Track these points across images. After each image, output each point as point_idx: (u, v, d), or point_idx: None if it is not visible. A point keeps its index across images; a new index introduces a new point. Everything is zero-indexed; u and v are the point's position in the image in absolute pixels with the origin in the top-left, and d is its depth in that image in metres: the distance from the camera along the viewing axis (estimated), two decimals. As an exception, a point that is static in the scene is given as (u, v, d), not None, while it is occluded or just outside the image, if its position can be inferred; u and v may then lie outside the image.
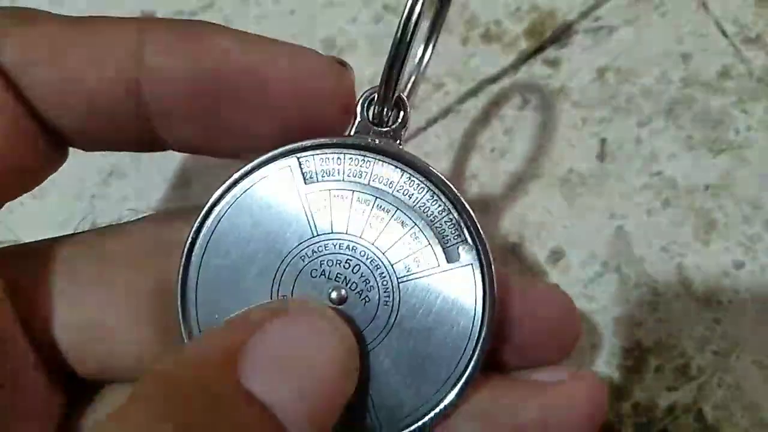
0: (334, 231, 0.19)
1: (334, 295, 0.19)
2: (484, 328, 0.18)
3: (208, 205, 0.19)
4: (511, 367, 0.20)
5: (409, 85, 0.26)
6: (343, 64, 0.19)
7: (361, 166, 0.19)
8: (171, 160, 0.30)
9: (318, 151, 0.19)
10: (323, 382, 0.16)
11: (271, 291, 0.19)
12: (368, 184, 0.19)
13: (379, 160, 0.19)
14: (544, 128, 0.29)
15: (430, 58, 0.23)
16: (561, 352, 0.20)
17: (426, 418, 0.19)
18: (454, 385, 0.18)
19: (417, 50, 0.25)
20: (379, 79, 0.19)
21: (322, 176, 0.19)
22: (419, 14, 0.18)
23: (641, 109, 0.29)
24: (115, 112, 0.17)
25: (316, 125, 0.18)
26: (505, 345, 0.19)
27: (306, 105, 0.18)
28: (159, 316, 0.19)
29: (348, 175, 0.19)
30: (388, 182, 0.19)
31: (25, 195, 0.30)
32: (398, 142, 0.20)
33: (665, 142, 0.28)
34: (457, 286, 0.18)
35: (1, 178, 0.17)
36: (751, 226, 0.27)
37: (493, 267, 0.19)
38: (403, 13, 0.18)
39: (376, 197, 0.19)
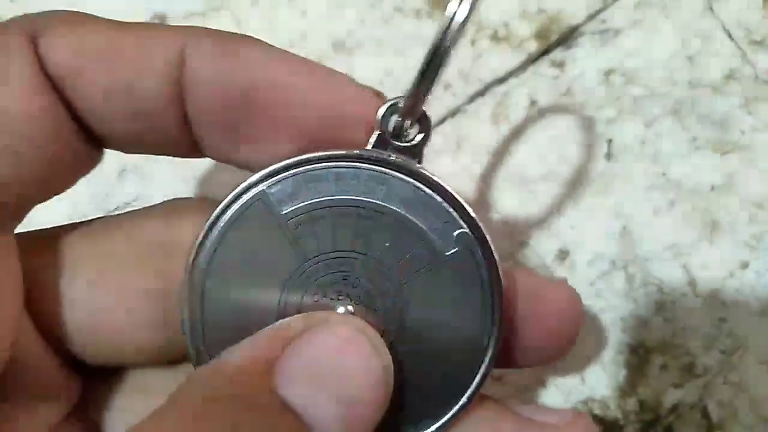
0: (321, 252, 0.18)
1: (340, 312, 0.18)
2: (496, 303, 0.18)
3: (195, 247, 0.18)
4: (511, 364, 0.20)
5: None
6: (378, 94, 0.19)
7: (376, 182, 0.18)
8: (185, 160, 0.30)
9: (287, 174, 0.18)
10: (360, 393, 0.16)
11: None
12: (382, 201, 0.18)
13: (397, 177, 0.18)
14: (551, 129, 0.29)
15: (448, 65, 0.22)
16: (563, 349, 0.20)
17: (464, 398, 0.18)
18: (480, 365, 0.18)
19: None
20: (407, 91, 0.18)
21: (297, 199, 0.18)
22: (462, 26, 0.17)
23: (647, 111, 0.29)
24: (158, 118, 0.18)
25: (332, 145, 0.18)
26: (509, 341, 0.19)
27: (335, 131, 0.18)
28: (159, 314, 0.20)
29: (362, 192, 0.18)
30: (403, 200, 0.18)
31: (38, 192, 0.30)
32: (418, 160, 0.19)
33: (671, 143, 0.28)
34: (460, 272, 0.18)
35: (36, 183, 0.18)
36: (757, 226, 0.27)
37: (492, 245, 0.18)
38: (444, 23, 0.17)
39: (357, 207, 0.18)
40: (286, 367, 0.16)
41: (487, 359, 0.18)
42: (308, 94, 0.18)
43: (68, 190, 0.30)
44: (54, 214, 0.30)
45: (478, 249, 0.18)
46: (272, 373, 0.16)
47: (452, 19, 0.17)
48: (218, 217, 0.18)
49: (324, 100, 0.18)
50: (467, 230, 0.18)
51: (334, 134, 0.18)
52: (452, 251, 0.18)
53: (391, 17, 0.32)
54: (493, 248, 0.18)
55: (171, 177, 0.30)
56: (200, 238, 0.18)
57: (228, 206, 0.18)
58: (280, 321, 0.18)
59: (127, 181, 0.30)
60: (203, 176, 0.30)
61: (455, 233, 0.18)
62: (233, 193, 0.18)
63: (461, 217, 0.18)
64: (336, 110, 0.18)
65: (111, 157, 0.30)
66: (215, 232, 0.18)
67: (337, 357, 0.16)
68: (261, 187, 0.18)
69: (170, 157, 0.30)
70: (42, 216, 0.30)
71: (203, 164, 0.30)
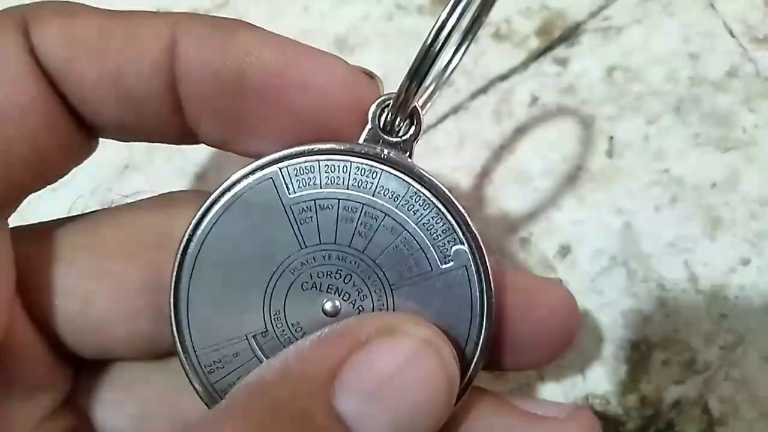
0: (322, 242, 0.18)
1: (327, 306, 0.18)
2: (484, 328, 0.18)
3: (196, 218, 0.18)
4: (503, 367, 0.20)
5: (429, 91, 0.25)
6: (371, 76, 0.19)
7: (367, 176, 0.18)
8: (186, 154, 0.30)
9: (301, 159, 0.18)
10: (420, 417, 0.16)
11: (263, 306, 0.18)
12: (372, 195, 0.18)
13: (387, 172, 0.18)
14: (553, 126, 0.29)
15: (456, 67, 0.22)
16: (557, 352, 0.20)
17: None
18: (462, 377, 0.18)
19: (443, 56, 0.24)
20: (398, 87, 0.18)
21: (307, 186, 0.18)
22: (453, 27, 0.17)
23: (649, 108, 0.29)
24: (150, 106, 0.18)
25: (330, 131, 0.18)
26: (502, 343, 0.19)
27: (327, 113, 0.18)
28: (150, 305, 0.20)
29: (351, 185, 0.18)
30: (394, 195, 0.18)
31: (41, 187, 0.30)
32: (408, 154, 0.19)
33: (673, 139, 0.28)
34: (452, 288, 0.18)
35: (28, 172, 0.18)
36: (758, 223, 0.27)
37: (488, 265, 0.18)
38: (436, 23, 0.17)
39: (363, 204, 0.18)
40: (345, 380, 0.15)
41: (468, 373, 0.18)
42: (301, 80, 0.18)
43: (71, 186, 0.30)
44: (56, 208, 0.30)
45: (474, 268, 0.18)
46: (332, 383, 0.15)
47: (445, 19, 0.17)
48: (223, 193, 0.18)
49: (317, 82, 0.18)
50: (465, 247, 0.18)
51: (328, 119, 0.18)
52: (448, 266, 0.18)
53: (394, 14, 0.32)
54: (489, 268, 0.18)
55: (173, 173, 0.30)
56: (202, 210, 0.18)
57: (236, 182, 0.18)
58: (355, 318, 0.18)
59: (130, 176, 0.30)
60: (205, 172, 0.30)
61: (453, 249, 0.18)
62: (245, 169, 0.18)
63: (460, 229, 0.18)
64: (328, 94, 0.18)
65: (114, 152, 0.31)
66: (219, 205, 0.18)
67: (399, 376, 0.16)
68: (274, 167, 0.18)
69: (173, 153, 0.30)
70: (44, 210, 0.30)
71: (205, 161, 0.30)
